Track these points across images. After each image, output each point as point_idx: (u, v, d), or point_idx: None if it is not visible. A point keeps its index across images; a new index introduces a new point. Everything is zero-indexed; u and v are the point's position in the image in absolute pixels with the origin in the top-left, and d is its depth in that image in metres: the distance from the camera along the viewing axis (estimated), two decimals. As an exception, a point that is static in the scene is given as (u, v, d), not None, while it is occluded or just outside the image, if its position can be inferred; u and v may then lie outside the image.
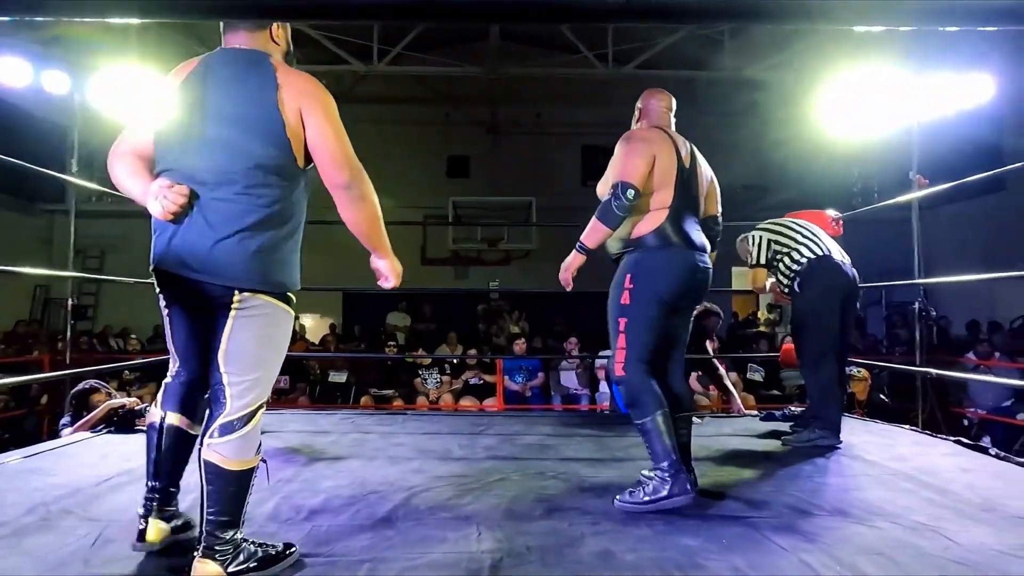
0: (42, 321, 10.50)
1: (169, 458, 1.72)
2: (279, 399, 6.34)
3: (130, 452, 2.81)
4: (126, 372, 6.27)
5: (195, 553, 1.60)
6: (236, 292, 1.59)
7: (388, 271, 1.83)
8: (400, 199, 9.53)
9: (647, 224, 2.33)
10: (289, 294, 1.68)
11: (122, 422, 3.23)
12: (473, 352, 7.12)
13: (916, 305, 4.19)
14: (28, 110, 8.79)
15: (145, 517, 1.69)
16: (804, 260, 3.25)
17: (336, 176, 1.66)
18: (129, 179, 1.68)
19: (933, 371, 3.66)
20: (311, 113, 1.63)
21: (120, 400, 3.25)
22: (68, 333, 4.39)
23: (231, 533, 1.60)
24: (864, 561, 1.70)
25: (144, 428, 3.10)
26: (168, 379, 1.77)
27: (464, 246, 12.01)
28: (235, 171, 1.59)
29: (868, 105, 4.83)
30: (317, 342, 9.54)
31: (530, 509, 2.16)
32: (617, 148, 2.39)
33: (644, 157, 2.33)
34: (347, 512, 2.09)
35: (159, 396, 1.77)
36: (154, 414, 1.75)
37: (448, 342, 7.56)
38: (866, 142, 6.38)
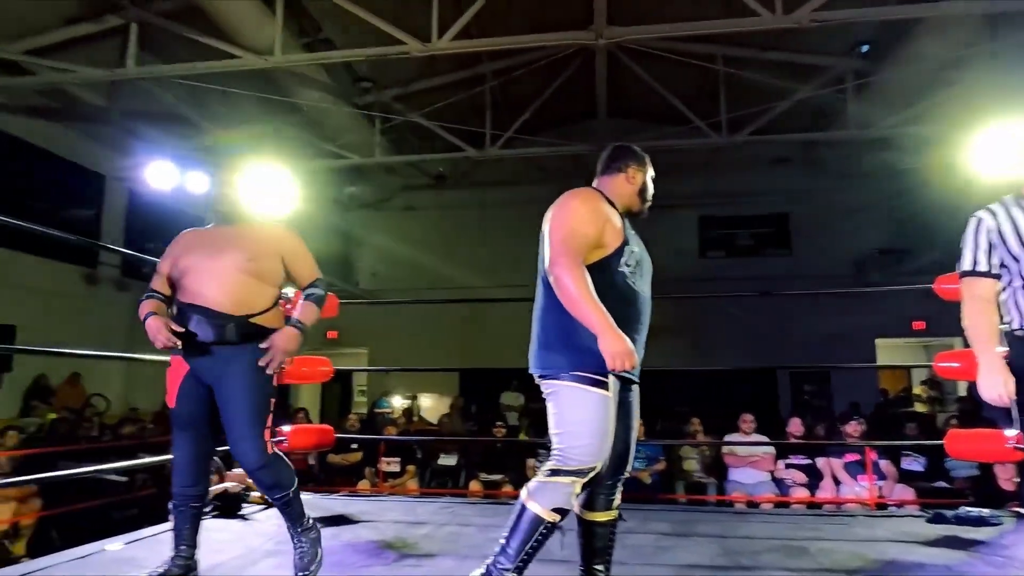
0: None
1: (581, 543, 2.02)
2: (386, 482, 6.25)
3: (222, 541, 2.75)
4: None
5: None
6: (537, 379, 1.94)
7: (604, 351, 1.79)
8: (514, 276, 9.53)
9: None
10: (580, 373, 1.83)
11: (225, 507, 3.21)
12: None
13: None
14: (173, 206, 9.75)
15: None
16: None
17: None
18: None
19: None
20: None
21: (221, 485, 3.24)
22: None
23: (506, 564, 1.81)
24: None
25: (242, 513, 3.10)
26: None
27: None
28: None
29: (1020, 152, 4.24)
30: (436, 422, 9.43)
31: (637, 634, 1.82)
32: (298, 243, 2.49)
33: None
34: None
35: None
36: None
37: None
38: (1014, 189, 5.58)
